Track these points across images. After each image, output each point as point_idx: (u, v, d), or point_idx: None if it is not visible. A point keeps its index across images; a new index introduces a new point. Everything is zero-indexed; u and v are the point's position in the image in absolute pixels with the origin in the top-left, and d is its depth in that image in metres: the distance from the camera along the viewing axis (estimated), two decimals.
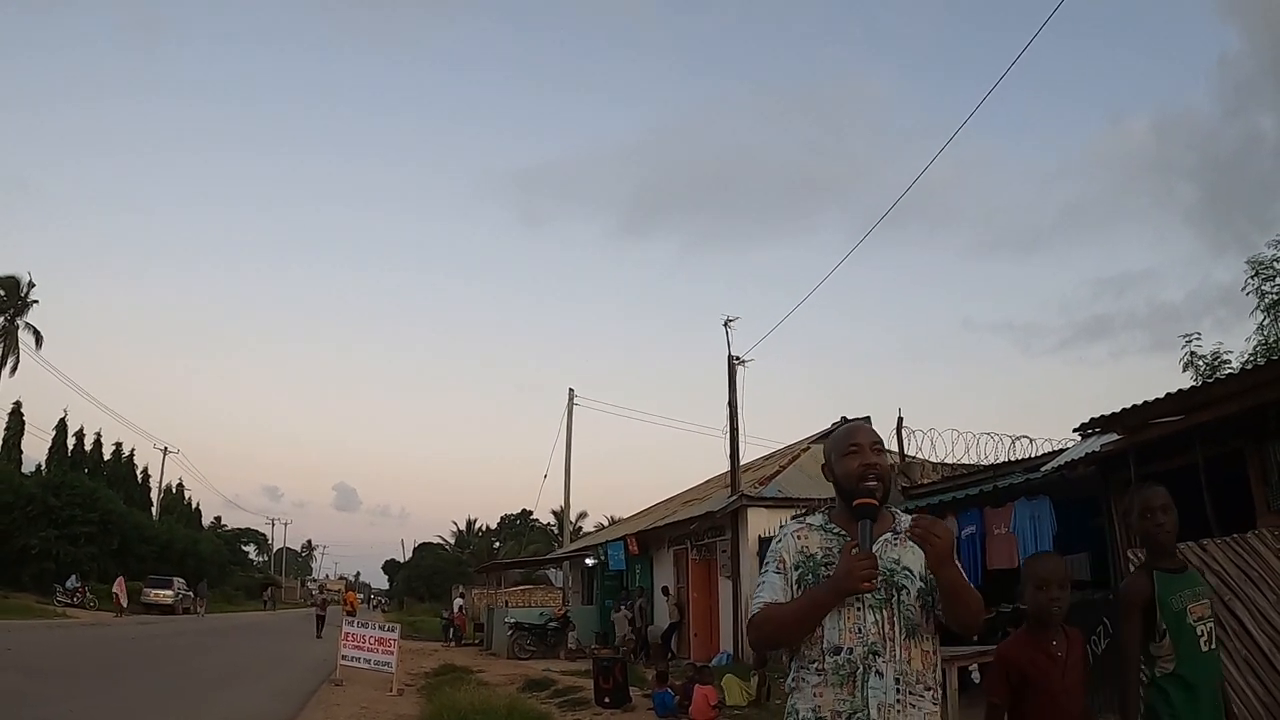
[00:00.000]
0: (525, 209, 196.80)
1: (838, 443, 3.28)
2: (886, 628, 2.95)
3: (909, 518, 3.13)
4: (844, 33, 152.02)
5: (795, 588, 3.10)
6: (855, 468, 3.14)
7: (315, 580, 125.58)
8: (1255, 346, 21.05)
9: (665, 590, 26.93)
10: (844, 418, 28.73)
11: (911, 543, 3.03)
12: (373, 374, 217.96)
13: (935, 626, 3.07)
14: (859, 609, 2.97)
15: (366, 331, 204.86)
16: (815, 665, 3.01)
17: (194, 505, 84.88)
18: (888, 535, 3.10)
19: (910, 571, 3.04)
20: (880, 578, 2.93)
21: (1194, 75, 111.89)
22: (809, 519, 3.29)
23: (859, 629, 2.96)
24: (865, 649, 2.93)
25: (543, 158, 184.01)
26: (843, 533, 3.13)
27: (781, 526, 3.40)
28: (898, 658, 2.93)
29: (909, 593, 3.01)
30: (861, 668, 2.92)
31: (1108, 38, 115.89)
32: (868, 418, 28.02)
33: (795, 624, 3.04)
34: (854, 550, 2.94)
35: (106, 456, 63.68)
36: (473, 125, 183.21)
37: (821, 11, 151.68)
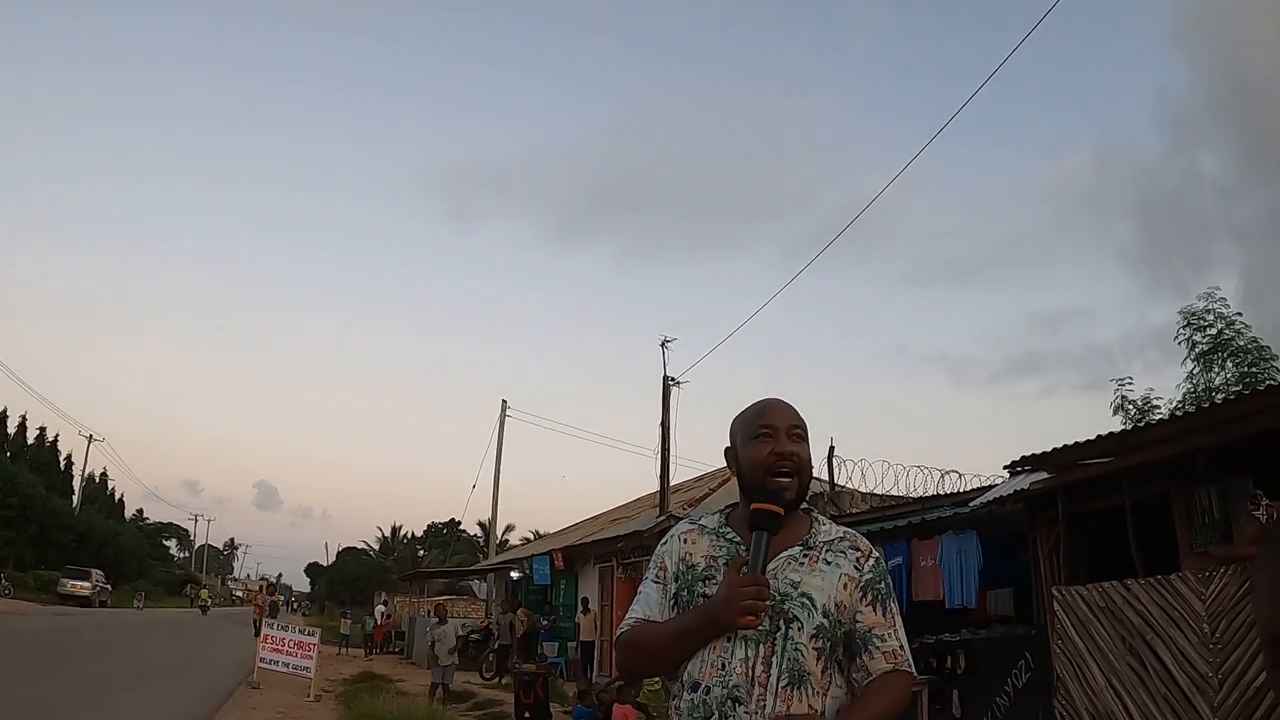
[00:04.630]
0: (454, 206, 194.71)
1: (746, 423, 2.53)
2: (757, 669, 2.28)
3: (840, 531, 2.52)
4: (789, 46, 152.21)
5: (672, 603, 2.46)
6: (764, 456, 2.43)
7: (237, 579, 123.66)
8: (1185, 394, 21.44)
9: (585, 604, 26.73)
10: None
11: (824, 563, 2.39)
12: (296, 371, 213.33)
13: (841, 678, 2.38)
14: (728, 639, 2.31)
15: (290, 326, 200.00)
16: (675, 701, 2.40)
17: (117, 496, 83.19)
18: (794, 550, 2.40)
19: (810, 601, 2.34)
20: (767, 606, 2.30)
21: (1138, 109, 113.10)
22: (703, 519, 2.60)
23: (722, 664, 2.31)
24: (724, 691, 2.28)
25: (474, 152, 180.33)
26: (738, 540, 2.45)
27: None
28: (768, 709, 2.25)
29: (801, 628, 2.32)
30: (717, 714, 2.27)
31: (1053, 66, 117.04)
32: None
33: (663, 655, 2.42)
34: (742, 570, 2.32)
35: (30, 441, 62.29)
36: (403, 114, 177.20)
37: (767, 22, 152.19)
